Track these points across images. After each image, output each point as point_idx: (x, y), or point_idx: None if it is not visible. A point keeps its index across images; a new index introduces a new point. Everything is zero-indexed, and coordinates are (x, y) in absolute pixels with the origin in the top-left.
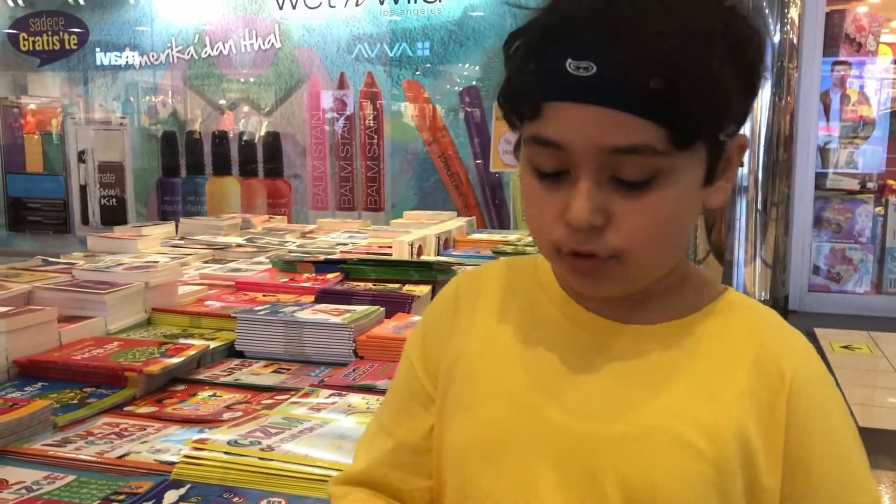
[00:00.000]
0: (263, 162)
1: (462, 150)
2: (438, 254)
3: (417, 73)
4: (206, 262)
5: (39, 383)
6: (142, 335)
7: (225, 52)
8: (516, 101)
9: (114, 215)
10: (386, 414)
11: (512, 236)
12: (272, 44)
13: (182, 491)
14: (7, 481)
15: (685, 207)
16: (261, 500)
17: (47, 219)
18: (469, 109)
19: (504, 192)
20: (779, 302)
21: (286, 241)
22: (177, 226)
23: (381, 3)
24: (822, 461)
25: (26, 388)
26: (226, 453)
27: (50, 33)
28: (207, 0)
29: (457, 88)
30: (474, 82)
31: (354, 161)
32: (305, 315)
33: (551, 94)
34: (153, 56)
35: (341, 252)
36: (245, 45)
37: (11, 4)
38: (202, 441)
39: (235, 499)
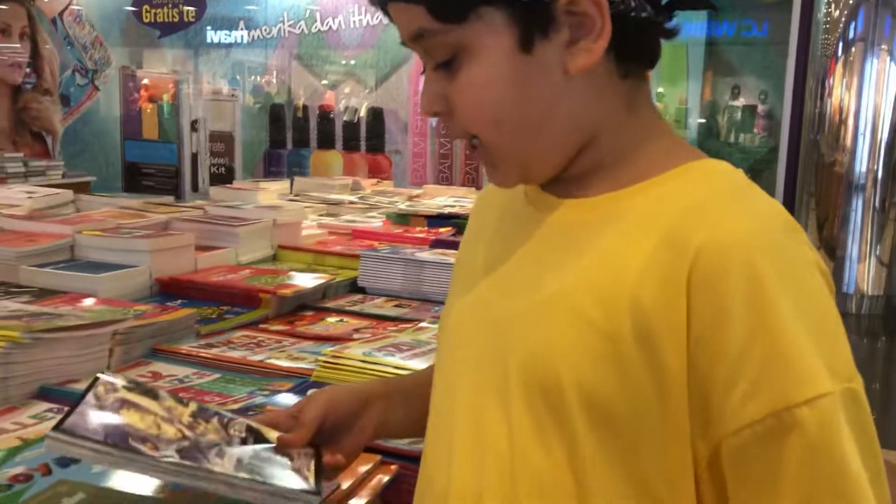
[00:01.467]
0: (366, 137)
1: None
2: None
3: None
4: (321, 216)
5: (179, 300)
6: (267, 267)
7: (335, 28)
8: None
9: (222, 183)
10: None
11: None
12: (380, 20)
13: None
14: (161, 374)
15: (509, 80)
16: None
17: (160, 184)
18: None
19: None
20: (892, 300)
21: (396, 202)
22: (291, 184)
23: None
24: (736, 343)
25: (168, 304)
26: (361, 361)
27: (170, 6)
28: None
29: None
30: None
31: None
32: (426, 255)
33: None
34: (265, 30)
35: (438, 212)
36: (354, 21)
37: None
38: (339, 350)
39: None
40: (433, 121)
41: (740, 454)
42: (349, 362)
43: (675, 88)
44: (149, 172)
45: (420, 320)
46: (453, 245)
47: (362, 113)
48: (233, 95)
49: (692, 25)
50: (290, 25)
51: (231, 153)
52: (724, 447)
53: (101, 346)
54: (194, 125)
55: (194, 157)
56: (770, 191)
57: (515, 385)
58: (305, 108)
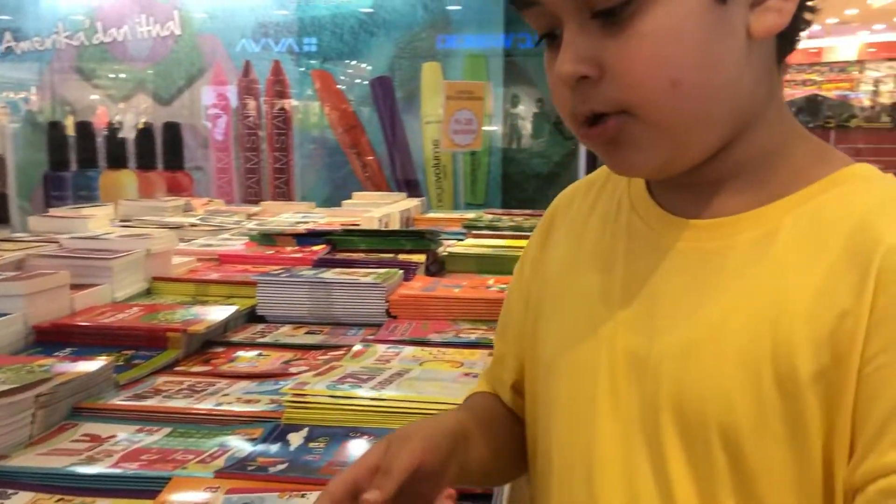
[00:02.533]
0: (163, 154)
1: (374, 140)
2: None
3: (327, 62)
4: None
5: (67, 348)
6: (152, 302)
7: (119, 39)
8: None
9: None
10: (496, 343)
11: (470, 214)
12: (171, 30)
13: (304, 433)
14: (99, 436)
15: (695, 34)
16: None
17: None
18: (381, 99)
19: (420, 184)
20: None
21: (240, 221)
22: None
23: None
24: (893, 371)
25: (56, 353)
26: (331, 397)
27: None
28: None
29: (360, 81)
30: (386, 72)
31: (261, 153)
32: (332, 276)
33: None
34: (37, 42)
35: (306, 229)
36: (142, 32)
37: None
38: (300, 388)
39: (366, 437)
40: (236, 133)
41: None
42: (318, 399)
43: None
44: None
45: (346, 346)
46: (340, 263)
47: (151, 127)
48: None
49: (492, 38)
50: (66, 37)
51: (2, 178)
52: (866, 493)
53: (25, 413)
54: None
55: None
56: None
57: (667, 429)
58: (89, 125)
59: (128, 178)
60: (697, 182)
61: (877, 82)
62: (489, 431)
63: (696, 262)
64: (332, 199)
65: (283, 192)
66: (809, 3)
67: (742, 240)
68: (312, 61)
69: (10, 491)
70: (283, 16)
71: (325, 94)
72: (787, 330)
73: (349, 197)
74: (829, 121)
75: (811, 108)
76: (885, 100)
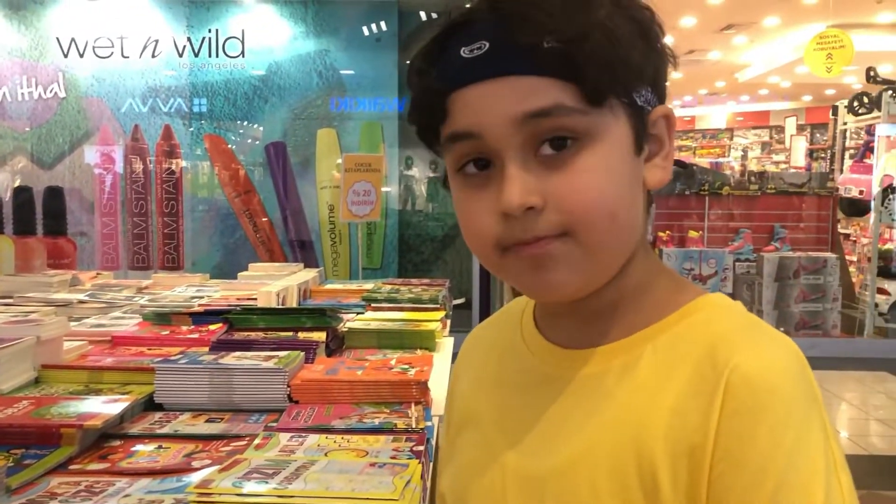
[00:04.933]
0: (44, 218)
1: (268, 204)
2: (300, 305)
3: (219, 127)
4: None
5: None
6: (40, 394)
7: (0, 100)
8: (425, 111)
9: None
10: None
11: (367, 285)
12: (55, 93)
13: None
14: None
15: (622, 174)
16: None
17: None
18: (275, 163)
19: (315, 248)
20: None
21: (131, 297)
22: None
23: (181, 54)
24: (735, 476)
25: None
26: (238, 496)
27: None
28: None
29: (258, 144)
30: (280, 137)
31: (150, 217)
32: (232, 361)
33: (452, 84)
34: None
35: (201, 305)
36: (23, 94)
37: None
38: (205, 486)
39: None
40: (123, 198)
41: None
42: (224, 499)
43: None
44: None
45: (249, 435)
46: (238, 345)
47: (30, 192)
48: None
49: (386, 101)
50: None
51: None
52: None
53: None
54: None
55: None
56: (467, 258)
57: None
58: None
59: (4, 243)
60: (579, 312)
61: (745, 150)
62: None
63: (578, 387)
64: (224, 266)
65: (173, 258)
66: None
67: (613, 366)
68: (203, 123)
69: None
70: (174, 79)
71: (217, 157)
72: (648, 447)
73: (242, 263)
74: (703, 188)
75: (688, 175)
76: (752, 166)
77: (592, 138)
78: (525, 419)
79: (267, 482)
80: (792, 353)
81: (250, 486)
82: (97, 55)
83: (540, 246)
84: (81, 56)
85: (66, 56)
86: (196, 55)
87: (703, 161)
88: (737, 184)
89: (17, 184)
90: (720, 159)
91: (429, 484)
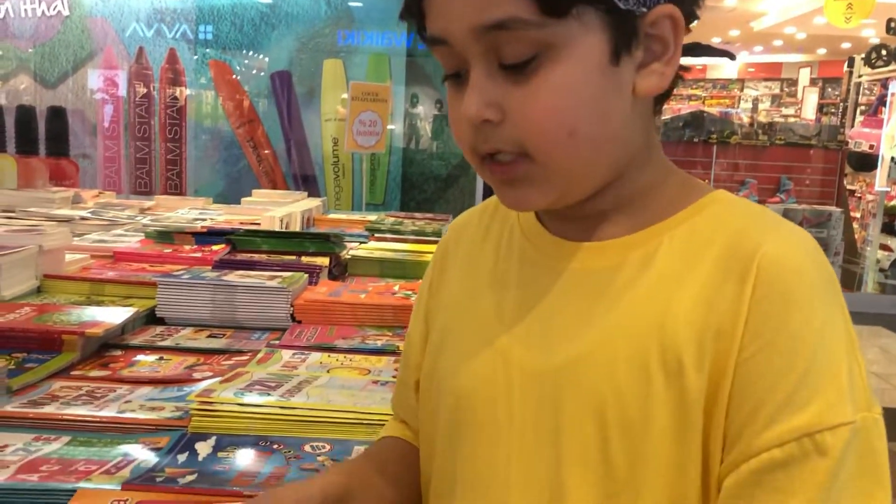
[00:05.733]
0: (46, 139)
1: (272, 134)
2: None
3: (225, 53)
4: None
5: None
6: (44, 302)
7: (1, 16)
8: (405, 9)
9: None
10: (400, 370)
11: (371, 216)
12: (59, 10)
13: (211, 442)
14: None
15: (591, 91)
16: (303, 446)
17: None
18: (280, 94)
19: (318, 181)
20: None
21: (133, 216)
22: None
23: None
24: (765, 358)
25: None
26: (238, 405)
27: None
28: None
29: (260, 73)
30: (286, 67)
31: (153, 143)
32: (235, 279)
33: None
34: None
35: (205, 226)
36: (25, 10)
37: None
38: (206, 395)
39: (275, 446)
40: (126, 122)
41: (753, 481)
42: (225, 408)
43: None
44: None
45: (251, 350)
46: (241, 264)
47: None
48: None
49: (394, 36)
50: None
51: None
52: (738, 472)
53: None
54: None
55: None
56: (470, 196)
57: (565, 434)
58: None
59: (6, 162)
60: (583, 214)
61: (755, 101)
62: (383, 479)
63: (588, 281)
64: (227, 194)
65: (175, 185)
66: (682, 65)
67: (628, 259)
68: (209, 50)
69: None
70: (180, 3)
71: (222, 85)
72: (671, 332)
73: (244, 192)
74: (711, 136)
75: (696, 123)
76: (762, 118)
77: (555, 52)
78: (531, 313)
79: (269, 394)
80: (809, 238)
81: (252, 398)
82: None
83: (504, 171)
84: None
85: None
86: None
87: (713, 110)
88: (745, 134)
89: (22, 102)
90: (729, 109)
91: None
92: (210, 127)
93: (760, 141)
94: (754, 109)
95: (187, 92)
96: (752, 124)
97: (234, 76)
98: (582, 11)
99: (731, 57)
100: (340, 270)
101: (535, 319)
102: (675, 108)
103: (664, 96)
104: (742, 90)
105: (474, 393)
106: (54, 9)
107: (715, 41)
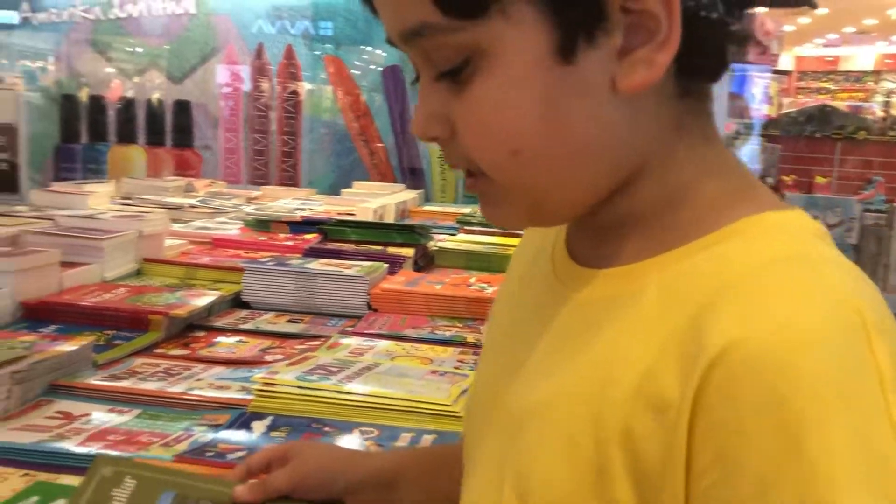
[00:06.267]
0: (172, 131)
1: (383, 129)
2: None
3: (340, 49)
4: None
5: (52, 326)
6: (141, 284)
7: (135, 15)
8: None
9: (4, 181)
10: None
11: (466, 209)
12: (186, 9)
13: (267, 421)
14: (71, 413)
15: (539, 99)
16: (353, 430)
17: None
18: (391, 88)
19: (425, 174)
20: None
21: (238, 205)
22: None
23: None
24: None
25: (40, 330)
26: (298, 388)
27: None
28: None
29: (376, 68)
30: (397, 61)
31: (270, 135)
32: (317, 267)
33: None
34: (54, 14)
35: (302, 216)
36: (157, 9)
37: None
38: (269, 377)
39: (326, 428)
40: (246, 115)
41: None
42: (285, 389)
43: None
44: None
45: (325, 336)
46: (329, 253)
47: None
48: (13, 84)
49: None
50: (82, 10)
51: (14, 148)
52: None
53: (2, 388)
54: None
55: None
56: None
57: (507, 495)
58: (99, 98)
59: (136, 153)
60: (598, 225)
61: (890, 93)
62: (433, 476)
63: (575, 312)
64: (338, 186)
65: (291, 176)
66: (743, 34)
67: (614, 294)
68: (327, 45)
69: None
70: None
71: (338, 80)
72: (609, 404)
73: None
74: (837, 132)
75: (821, 117)
76: None
77: (483, 56)
78: (528, 339)
79: (328, 378)
80: (842, 307)
81: (310, 381)
82: None
83: (469, 187)
84: None
85: None
86: None
87: (841, 105)
88: (877, 129)
89: (155, 99)
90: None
91: None
92: (325, 120)
93: (891, 137)
94: (888, 104)
95: (304, 87)
96: (885, 119)
97: (348, 70)
98: (507, 4)
99: (812, 5)
100: (426, 261)
101: (529, 348)
102: (801, 102)
103: (707, 75)
104: (877, 83)
105: (470, 414)
106: (182, 7)
107: (847, 31)
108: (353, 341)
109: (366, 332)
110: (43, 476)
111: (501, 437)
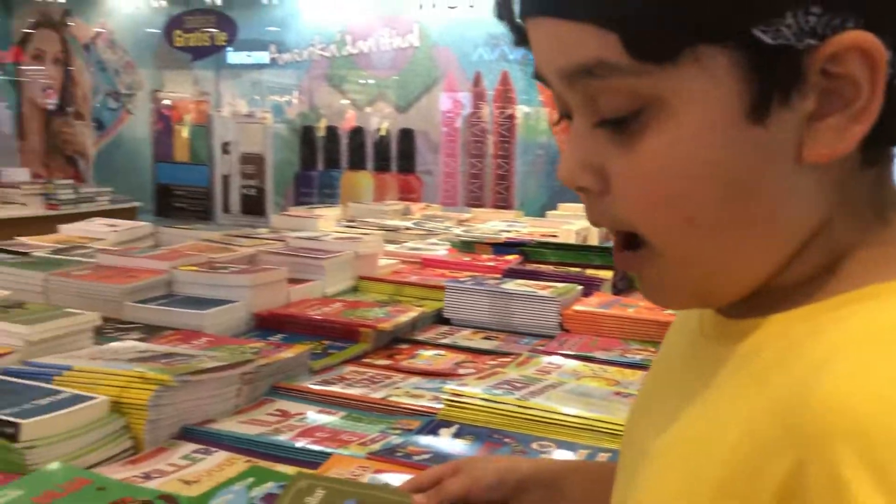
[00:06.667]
0: (397, 158)
1: None
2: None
3: None
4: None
5: (279, 335)
6: (355, 299)
7: (365, 51)
8: (516, 39)
9: (253, 205)
10: None
11: None
12: (411, 43)
13: (453, 430)
14: (288, 412)
15: (726, 157)
16: (531, 443)
17: (191, 206)
18: None
19: None
20: None
21: (449, 227)
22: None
23: None
24: None
25: (269, 339)
26: (483, 400)
27: (202, 31)
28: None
29: None
30: None
31: (485, 159)
32: (512, 287)
33: (521, 11)
34: (297, 54)
35: (505, 237)
36: (385, 44)
37: (165, 4)
38: (458, 389)
39: (506, 440)
40: (463, 140)
41: None
42: (471, 401)
43: None
44: (180, 194)
45: (516, 353)
46: (528, 273)
47: (388, 133)
48: (262, 118)
49: None
50: (320, 49)
51: (261, 175)
52: None
53: (232, 387)
54: (226, 147)
55: (225, 179)
56: None
57: None
58: (334, 129)
59: (365, 178)
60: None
61: None
62: (596, 483)
63: (704, 361)
64: (549, 207)
65: (504, 198)
66: None
67: (735, 350)
68: None
69: (212, 449)
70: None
71: (551, 103)
72: (714, 457)
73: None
74: None
75: None
76: None
77: (666, 108)
78: (669, 382)
79: (512, 393)
80: None
81: (495, 395)
82: (448, 5)
83: (620, 260)
84: (434, 7)
85: (421, 8)
86: None
87: None
88: None
89: (381, 126)
90: None
91: None
92: (540, 142)
93: None
94: None
95: (520, 110)
96: None
97: None
98: (702, 54)
99: None
100: (626, 284)
101: (667, 392)
102: None
103: (888, 141)
104: None
105: (622, 456)
106: (407, 41)
107: None
108: (542, 360)
109: (556, 351)
110: (262, 464)
111: (627, 472)
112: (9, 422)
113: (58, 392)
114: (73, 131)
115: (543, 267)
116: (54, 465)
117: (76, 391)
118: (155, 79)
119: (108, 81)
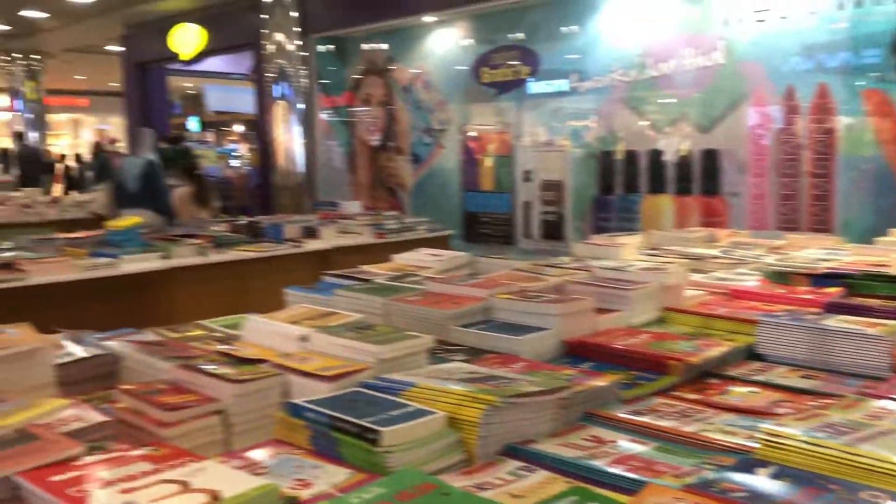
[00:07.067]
0: (700, 179)
1: None
2: None
3: (882, 79)
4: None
5: (587, 362)
6: (659, 330)
7: (667, 72)
8: None
9: (552, 230)
10: None
11: None
12: (716, 60)
13: (771, 470)
14: (602, 439)
15: None
16: (860, 492)
17: (495, 232)
18: None
19: None
20: None
21: (760, 255)
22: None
23: (841, 7)
24: None
25: (578, 365)
26: (804, 443)
27: (507, 66)
28: (651, 22)
29: None
30: None
31: (799, 178)
32: (833, 324)
33: None
34: (596, 81)
35: (825, 267)
36: (687, 64)
37: (473, 42)
38: (777, 428)
39: (832, 486)
40: (773, 159)
41: None
42: (791, 442)
43: None
44: (485, 221)
45: (839, 395)
46: (851, 309)
47: (690, 153)
48: (561, 145)
49: None
50: (619, 74)
51: (561, 201)
52: None
53: (550, 411)
54: (527, 175)
55: (526, 205)
56: None
57: None
58: (633, 153)
59: (665, 203)
60: None
61: None
62: None
63: None
64: (877, 229)
65: (821, 220)
66: None
67: None
68: (864, 77)
69: (533, 467)
70: (830, 35)
71: (876, 112)
72: None
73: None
74: None
75: None
76: None
77: None
78: None
79: (837, 438)
80: None
81: (818, 437)
82: (755, 20)
83: None
84: (740, 21)
85: (726, 24)
86: (858, 5)
87: None
88: None
89: (682, 147)
90: None
91: None
92: (866, 157)
93: None
94: None
95: (840, 122)
96: None
97: (890, 102)
98: None
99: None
100: None
101: None
102: None
103: None
104: None
105: None
106: (711, 59)
107: None
108: (871, 403)
109: (888, 395)
110: (579, 485)
111: None
112: (372, 429)
113: (405, 405)
114: (394, 165)
115: (870, 301)
116: (408, 469)
117: (419, 405)
118: (463, 113)
119: (424, 119)
